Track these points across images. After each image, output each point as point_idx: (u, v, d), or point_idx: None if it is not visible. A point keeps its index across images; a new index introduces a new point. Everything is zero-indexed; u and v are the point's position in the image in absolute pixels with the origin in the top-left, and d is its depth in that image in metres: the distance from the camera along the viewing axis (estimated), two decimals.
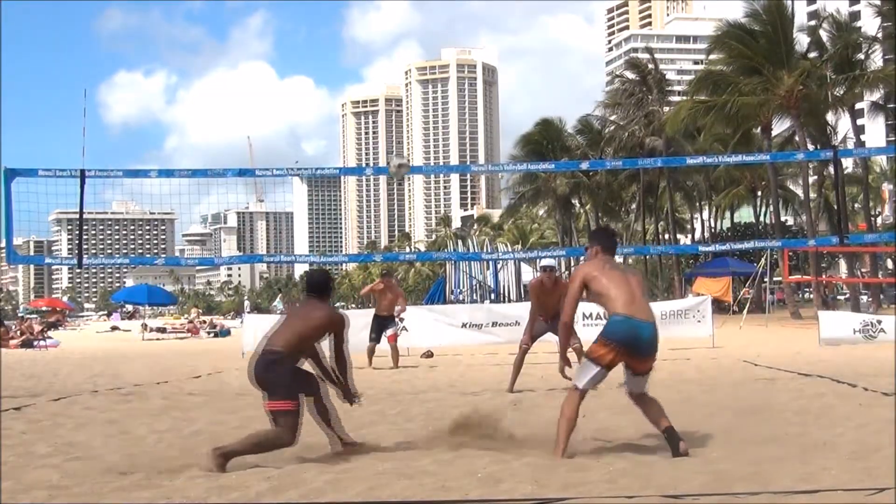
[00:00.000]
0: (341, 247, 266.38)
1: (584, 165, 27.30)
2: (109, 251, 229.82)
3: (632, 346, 5.28)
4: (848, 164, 51.14)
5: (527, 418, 6.96)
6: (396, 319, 13.40)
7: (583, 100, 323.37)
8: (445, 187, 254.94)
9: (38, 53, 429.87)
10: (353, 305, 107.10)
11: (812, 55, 37.34)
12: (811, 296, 47.87)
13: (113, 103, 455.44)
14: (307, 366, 5.52)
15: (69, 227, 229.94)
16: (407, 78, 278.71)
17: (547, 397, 8.60)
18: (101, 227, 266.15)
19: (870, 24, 42.51)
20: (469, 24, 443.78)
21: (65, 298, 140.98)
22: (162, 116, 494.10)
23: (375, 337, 13.12)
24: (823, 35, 38.09)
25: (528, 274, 39.82)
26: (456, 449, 5.45)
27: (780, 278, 39.26)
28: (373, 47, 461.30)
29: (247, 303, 58.95)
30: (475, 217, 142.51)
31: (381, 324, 13.23)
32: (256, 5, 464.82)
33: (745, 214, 62.70)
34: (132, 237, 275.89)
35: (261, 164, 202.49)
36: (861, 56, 36.97)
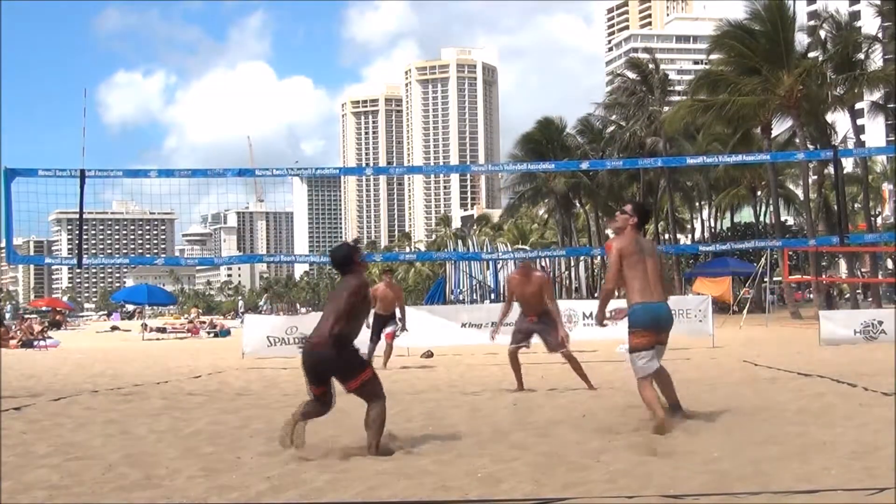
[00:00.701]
0: None
1: (584, 165, 27.28)
2: (109, 251, 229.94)
3: (655, 325, 6.33)
4: (848, 164, 51.15)
5: (527, 418, 6.96)
6: (397, 320, 13.22)
7: (581, 100, 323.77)
8: (445, 187, 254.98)
9: (37, 53, 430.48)
10: None
11: (812, 55, 37.34)
12: (811, 296, 47.89)
13: (111, 103, 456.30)
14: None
15: (69, 227, 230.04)
16: (407, 78, 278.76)
17: (547, 397, 8.60)
18: (101, 227, 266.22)
19: (870, 23, 42.51)
20: (467, 25, 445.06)
21: (65, 298, 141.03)
22: (160, 116, 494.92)
23: (375, 337, 12.94)
24: (823, 35, 38.10)
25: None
26: (456, 449, 5.46)
27: (783, 278, 39.24)
28: (371, 47, 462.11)
29: (241, 302, 58.61)
30: (475, 217, 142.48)
31: (382, 322, 13.10)
32: (255, 5, 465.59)
33: (745, 214, 62.71)
34: (132, 237, 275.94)
35: (260, 164, 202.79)
36: (861, 56, 36.98)
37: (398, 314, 13.22)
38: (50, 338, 26.86)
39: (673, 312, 6.60)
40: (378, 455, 5.29)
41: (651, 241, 7.18)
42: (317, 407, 5.61)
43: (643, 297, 6.30)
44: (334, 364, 5.46)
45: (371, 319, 13.28)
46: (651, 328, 6.29)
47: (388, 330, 13.15)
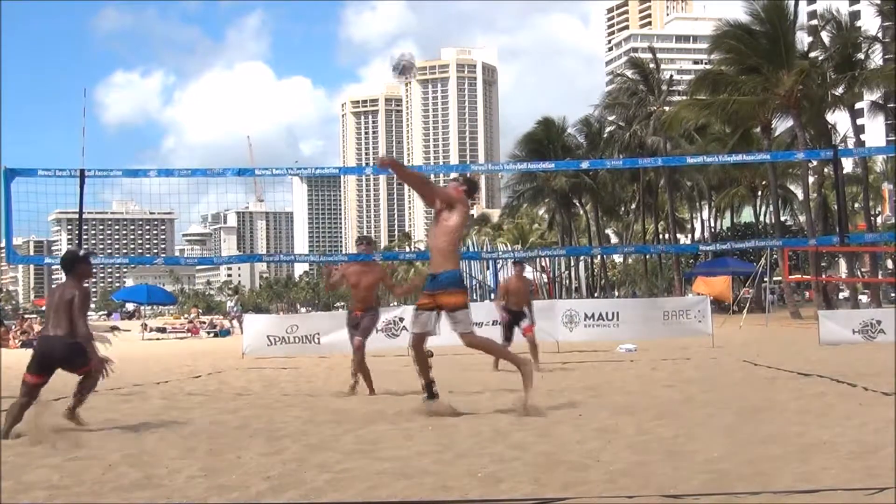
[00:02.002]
0: (341, 247, 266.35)
1: (585, 165, 27.27)
2: (109, 251, 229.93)
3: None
4: (848, 163, 51.16)
5: (527, 418, 6.95)
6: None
7: (580, 100, 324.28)
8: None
9: (35, 53, 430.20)
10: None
11: (812, 55, 37.34)
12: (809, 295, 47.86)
13: (110, 103, 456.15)
14: None
15: (69, 227, 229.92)
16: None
17: (548, 397, 8.60)
18: (101, 227, 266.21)
19: (870, 23, 42.52)
20: (465, 25, 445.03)
21: None
22: (158, 117, 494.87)
23: (509, 333, 12.01)
24: (823, 35, 38.10)
25: (527, 273, 39.86)
26: (456, 449, 5.46)
27: (783, 278, 39.21)
28: (368, 47, 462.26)
29: (230, 303, 58.09)
30: (475, 217, 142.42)
31: (514, 318, 12.03)
32: (253, 5, 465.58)
33: (745, 215, 62.70)
34: (132, 237, 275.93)
35: (259, 164, 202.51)
36: (861, 56, 36.98)
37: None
38: None
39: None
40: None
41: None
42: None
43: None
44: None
45: (501, 317, 12.39)
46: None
47: (525, 324, 12.19)
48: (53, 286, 7.87)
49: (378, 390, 9.29)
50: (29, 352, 7.96)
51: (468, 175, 8.77)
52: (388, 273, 10.56)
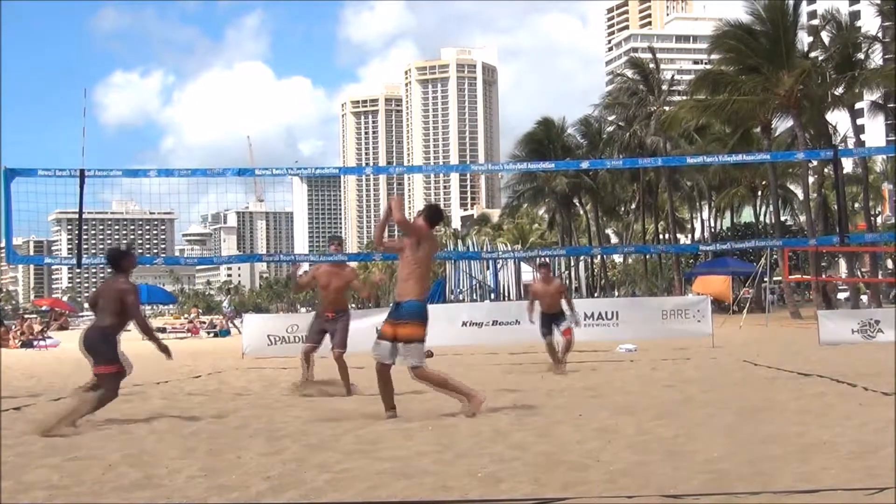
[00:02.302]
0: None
1: (585, 165, 27.31)
2: None
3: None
4: (848, 163, 51.16)
5: (527, 418, 6.95)
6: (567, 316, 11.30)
7: (580, 100, 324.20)
8: (445, 187, 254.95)
9: (34, 53, 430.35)
10: (354, 305, 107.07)
11: (812, 55, 37.33)
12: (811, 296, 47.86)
13: (108, 104, 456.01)
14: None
15: (69, 227, 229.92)
16: (407, 77, 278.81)
17: (548, 397, 8.60)
18: (101, 227, 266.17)
19: (870, 23, 42.51)
20: (463, 25, 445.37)
21: (65, 298, 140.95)
22: (157, 117, 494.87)
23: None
24: (824, 35, 38.09)
25: (527, 273, 39.88)
26: (456, 449, 5.46)
27: (783, 278, 39.20)
28: (367, 47, 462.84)
29: (224, 303, 57.49)
30: (475, 217, 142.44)
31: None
32: (252, 5, 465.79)
33: (745, 214, 62.70)
34: (132, 237, 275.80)
35: (259, 164, 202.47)
36: (861, 56, 36.97)
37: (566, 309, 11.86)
38: (50, 338, 26.87)
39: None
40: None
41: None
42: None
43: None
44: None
45: (533, 319, 11.91)
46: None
47: (564, 326, 11.75)
48: (101, 282, 8.01)
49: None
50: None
51: (432, 203, 8.84)
52: (357, 275, 10.28)
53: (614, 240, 76.40)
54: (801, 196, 46.71)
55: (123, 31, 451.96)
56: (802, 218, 49.00)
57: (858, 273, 47.60)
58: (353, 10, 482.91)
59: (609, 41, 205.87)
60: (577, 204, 61.50)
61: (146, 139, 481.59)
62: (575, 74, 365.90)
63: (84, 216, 10.78)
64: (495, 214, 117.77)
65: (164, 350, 7.52)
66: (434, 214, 7.34)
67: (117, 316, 7.08)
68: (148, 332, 7.71)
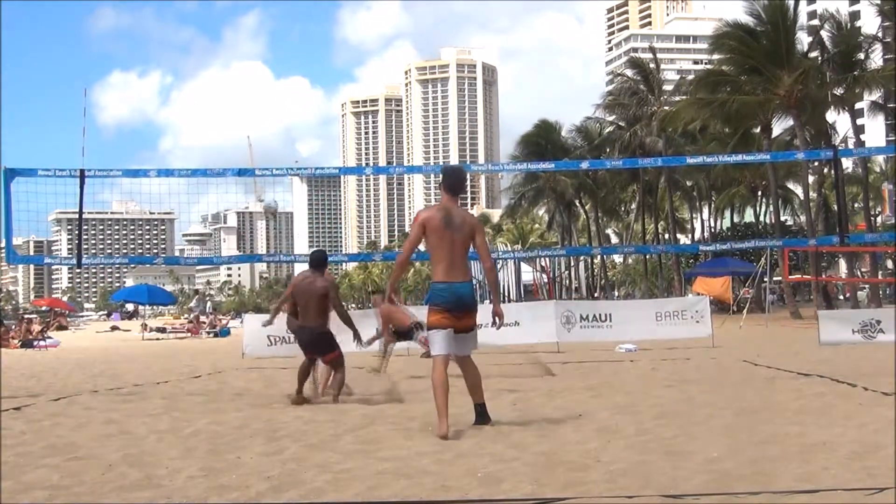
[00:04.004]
0: (341, 246, 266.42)
1: (585, 165, 27.22)
2: (109, 251, 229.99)
3: (455, 306, 6.23)
4: (848, 164, 51.16)
5: (527, 418, 6.95)
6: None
7: (579, 100, 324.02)
8: None
9: (32, 53, 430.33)
10: (354, 305, 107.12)
11: (812, 55, 37.32)
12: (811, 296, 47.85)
13: (106, 104, 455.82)
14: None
15: (69, 227, 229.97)
16: (407, 78, 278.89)
17: (548, 397, 8.60)
18: (101, 227, 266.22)
19: (870, 23, 42.50)
20: (462, 25, 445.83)
21: (64, 298, 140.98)
22: (155, 117, 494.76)
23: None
24: (824, 35, 38.09)
25: (527, 274, 39.88)
26: (456, 449, 5.46)
27: (783, 278, 39.19)
28: (364, 48, 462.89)
29: (209, 303, 56.72)
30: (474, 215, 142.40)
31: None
32: (250, 5, 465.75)
33: (745, 215, 62.69)
34: (132, 237, 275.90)
35: (258, 164, 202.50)
36: (861, 56, 36.96)
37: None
38: (50, 338, 26.86)
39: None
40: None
41: (467, 214, 6.59)
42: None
43: (447, 277, 6.23)
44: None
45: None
46: (449, 309, 6.21)
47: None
48: (300, 280, 8.72)
49: (377, 392, 9.28)
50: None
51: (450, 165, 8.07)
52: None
53: (614, 240, 76.40)
54: (801, 196, 46.70)
55: (121, 31, 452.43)
56: (802, 218, 49.00)
57: (858, 273, 47.60)
58: (349, 11, 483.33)
59: (609, 41, 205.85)
60: (577, 204, 61.51)
61: (144, 139, 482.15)
62: (575, 75, 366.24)
63: (84, 216, 10.76)
64: (495, 215, 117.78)
65: (359, 338, 8.86)
66: (450, 176, 6.57)
67: (323, 314, 8.40)
68: (348, 321, 8.67)
